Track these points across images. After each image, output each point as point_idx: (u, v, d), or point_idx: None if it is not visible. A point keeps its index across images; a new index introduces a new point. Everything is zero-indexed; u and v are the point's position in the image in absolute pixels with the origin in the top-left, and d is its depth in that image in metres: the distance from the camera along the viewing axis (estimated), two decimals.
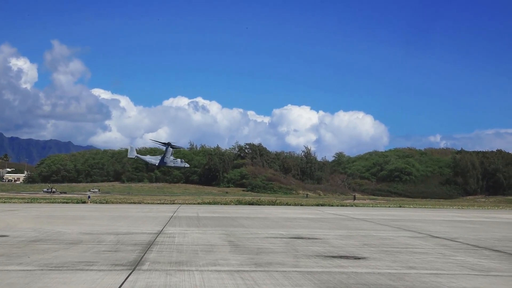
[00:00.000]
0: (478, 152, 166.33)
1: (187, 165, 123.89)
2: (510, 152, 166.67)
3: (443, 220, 35.57)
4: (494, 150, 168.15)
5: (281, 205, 62.09)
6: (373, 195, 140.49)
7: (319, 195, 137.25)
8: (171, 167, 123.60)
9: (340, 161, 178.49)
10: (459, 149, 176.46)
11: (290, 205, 62.72)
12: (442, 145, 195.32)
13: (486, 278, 11.38)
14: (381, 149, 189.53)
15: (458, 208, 69.74)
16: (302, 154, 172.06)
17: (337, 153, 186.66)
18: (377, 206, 66.72)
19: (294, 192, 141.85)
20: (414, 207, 66.76)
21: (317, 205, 64.38)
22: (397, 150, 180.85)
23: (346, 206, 64.58)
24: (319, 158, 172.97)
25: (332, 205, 64.49)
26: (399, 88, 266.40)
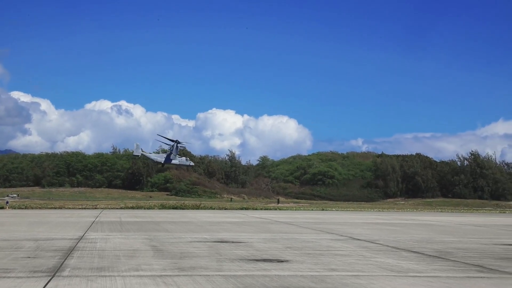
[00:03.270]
0: (398, 156, 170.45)
1: (192, 163, 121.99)
2: (428, 155, 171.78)
3: (364, 222, 36.29)
4: (413, 153, 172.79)
5: (205, 209, 62.02)
6: (297, 198, 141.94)
7: (244, 198, 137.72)
8: (176, 165, 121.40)
9: (264, 165, 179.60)
10: (380, 152, 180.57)
11: (214, 209, 62.76)
12: (364, 149, 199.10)
13: (404, 279, 11.66)
14: (305, 153, 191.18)
15: (379, 210, 71.35)
16: (227, 158, 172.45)
17: (261, 157, 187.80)
18: (300, 209, 67.54)
19: (218, 196, 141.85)
20: (337, 210, 67.91)
21: (241, 208, 64.66)
22: (320, 154, 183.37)
23: (270, 209, 65.11)
24: (243, 162, 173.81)
25: (256, 209, 64.87)
26: (322, 93, 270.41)
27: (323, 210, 67.68)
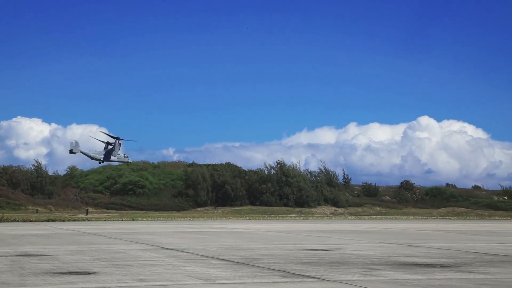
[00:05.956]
0: (208, 165, 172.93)
1: (130, 159, 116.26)
2: (237, 164, 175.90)
3: (175, 231, 36.49)
4: (223, 162, 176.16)
5: (8, 221, 59.11)
6: (107, 209, 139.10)
7: (51, 210, 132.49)
8: (115, 161, 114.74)
9: (73, 175, 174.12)
10: (191, 162, 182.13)
11: (18, 221, 60.16)
12: (175, 158, 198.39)
13: (212, 287, 11.89)
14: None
15: (189, 219, 72.17)
16: (32, 168, 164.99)
17: (70, 167, 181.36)
18: (110, 220, 66.53)
19: (23, 207, 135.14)
20: (147, 220, 67.68)
21: (48, 220, 62.53)
22: (131, 164, 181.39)
23: (79, 220, 63.54)
24: (50, 172, 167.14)
25: (63, 220, 63.01)
26: (133, 101, 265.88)
27: (133, 220, 67.12)
